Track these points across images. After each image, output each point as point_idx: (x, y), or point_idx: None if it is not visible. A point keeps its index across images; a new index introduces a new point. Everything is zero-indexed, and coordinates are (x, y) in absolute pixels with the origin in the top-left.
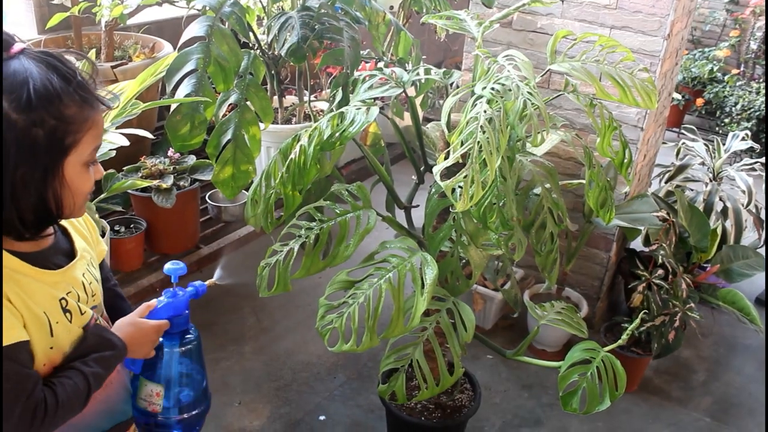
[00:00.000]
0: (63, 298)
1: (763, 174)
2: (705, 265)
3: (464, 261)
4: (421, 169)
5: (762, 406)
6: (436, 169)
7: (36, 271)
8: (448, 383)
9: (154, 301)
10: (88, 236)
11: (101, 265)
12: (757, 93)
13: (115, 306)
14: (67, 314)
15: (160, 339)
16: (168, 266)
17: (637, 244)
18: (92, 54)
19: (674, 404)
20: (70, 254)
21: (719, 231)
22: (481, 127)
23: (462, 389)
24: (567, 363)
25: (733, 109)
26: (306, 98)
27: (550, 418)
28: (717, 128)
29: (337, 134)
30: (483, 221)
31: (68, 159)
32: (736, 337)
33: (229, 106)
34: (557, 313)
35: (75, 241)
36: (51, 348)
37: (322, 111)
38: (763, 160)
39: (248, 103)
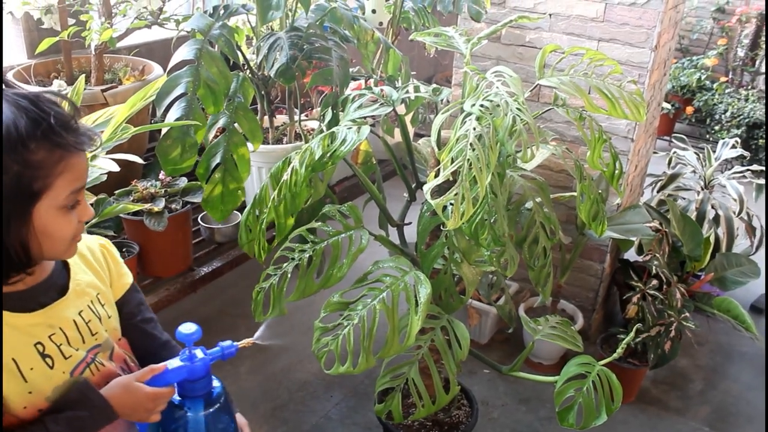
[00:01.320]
0: (40, 343)
1: (754, 181)
2: (699, 273)
3: (457, 278)
4: (413, 186)
5: (760, 414)
6: (427, 188)
7: (8, 316)
8: (444, 401)
9: (161, 365)
10: (101, 270)
11: (125, 300)
12: (746, 100)
13: (149, 350)
14: (47, 359)
15: (181, 401)
16: (181, 330)
17: (631, 254)
18: (82, 78)
19: (672, 414)
20: (64, 291)
21: (712, 239)
22: (471, 144)
23: (459, 405)
24: (563, 378)
25: (723, 116)
26: (296, 118)
27: (549, 431)
28: (707, 136)
29: (329, 154)
30: (475, 238)
31: (39, 204)
32: (732, 345)
33: (218, 128)
34: (552, 327)
35: (73, 278)
36: (30, 393)
37: (313, 130)
38: (753, 167)
39: (236, 125)
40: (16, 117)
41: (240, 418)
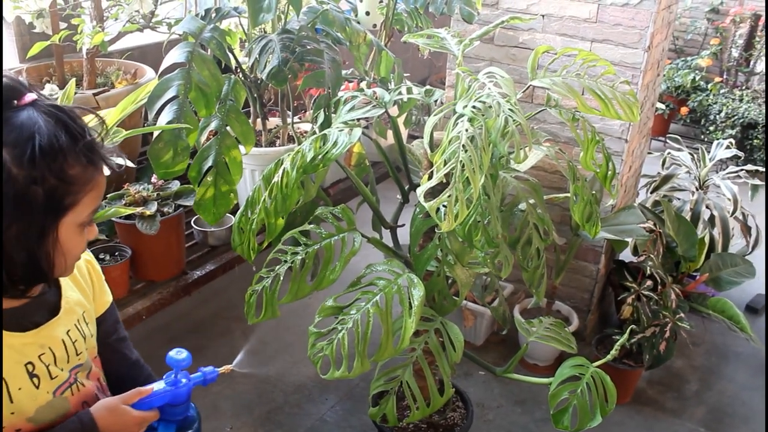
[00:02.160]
0: (30, 363)
1: (749, 181)
2: (694, 274)
3: (451, 280)
4: (406, 188)
5: (755, 414)
6: (420, 190)
7: (5, 335)
8: (438, 404)
9: (148, 388)
10: (86, 287)
11: (104, 318)
12: (741, 100)
13: (119, 369)
14: (34, 379)
15: (155, 423)
16: (171, 356)
17: (626, 255)
18: (72, 82)
19: (668, 415)
20: (55, 309)
21: (707, 240)
22: (463, 146)
23: (454, 407)
24: (557, 380)
25: (718, 117)
26: (289, 120)
27: None
28: (702, 136)
29: (320, 156)
30: (468, 240)
31: (65, 219)
32: (727, 345)
33: (210, 131)
34: (546, 329)
35: (64, 295)
36: (12, 413)
37: (305, 132)
38: (748, 167)
39: (228, 128)
40: (57, 129)
41: None
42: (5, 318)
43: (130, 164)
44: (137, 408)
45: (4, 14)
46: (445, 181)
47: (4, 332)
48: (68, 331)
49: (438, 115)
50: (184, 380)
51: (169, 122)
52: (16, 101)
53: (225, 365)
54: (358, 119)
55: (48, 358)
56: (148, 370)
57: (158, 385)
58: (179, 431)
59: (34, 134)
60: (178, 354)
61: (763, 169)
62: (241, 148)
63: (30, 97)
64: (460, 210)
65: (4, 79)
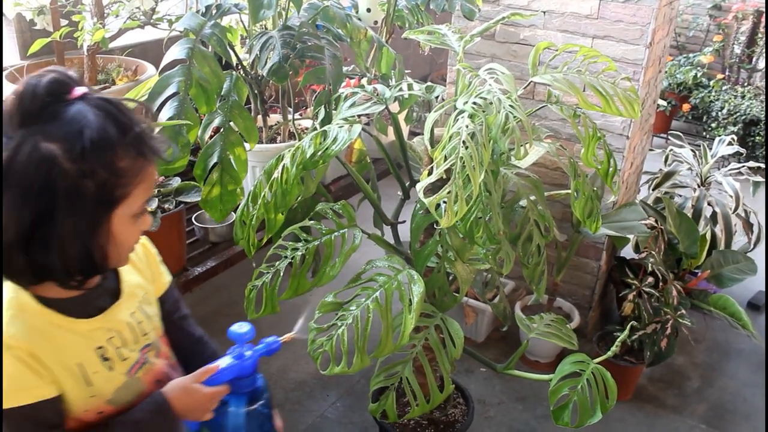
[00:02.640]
0: (101, 347)
1: (751, 178)
2: (695, 271)
3: (452, 276)
4: (407, 184)
5: (757, 411)
6: (420, 186)
7: (70, 322)
8: (438, 400)
9: (215, 365)
10: (145, 269)
11: (165, 297)
12: (743, 97)
13: (184, 346)
14: (107, 362)
15: (226, 397)
16: (233, 329)
17: (628, 251)
18: None
19: (669, 412)
20: (116, 294)
21: (708, 237)
22: (464, 142)
23: (455, 404)
24: (557, 376)
25: (720, 113)
26: (290, 117)
27: (546, 430)
28: (704, 133)
29: (320, 153)
30: (469, 236)
31: (117, 211)
32: (729, 342)
33: (213, 128)
34: (547, 325)
35: (123, 280)
36: (92, 396)
37: (306, 129)
38: (750, 164)
39: (232, 124)
40: (106, 122)
41: (277, 418)
42: (69, 306)
43: None
44: (207, 385)
45: (4, 11)
46: (445, 177)
47: (72, 320)
48: (132, 313)
49: (438, 112)
50: (248, 353)
51: (170, 119)
52: (66, 95)
53: (286, 333)
54: (359, 116)
55: (117, 341)
56: (213, 346)
57: (224, 361)
58: (250, 402)
59: (83, 128)
60: (241, 328)
61: (765, 166)
62: (246, 144)
63: (79, 90)
64: (459, 206)
65: (54, 74)
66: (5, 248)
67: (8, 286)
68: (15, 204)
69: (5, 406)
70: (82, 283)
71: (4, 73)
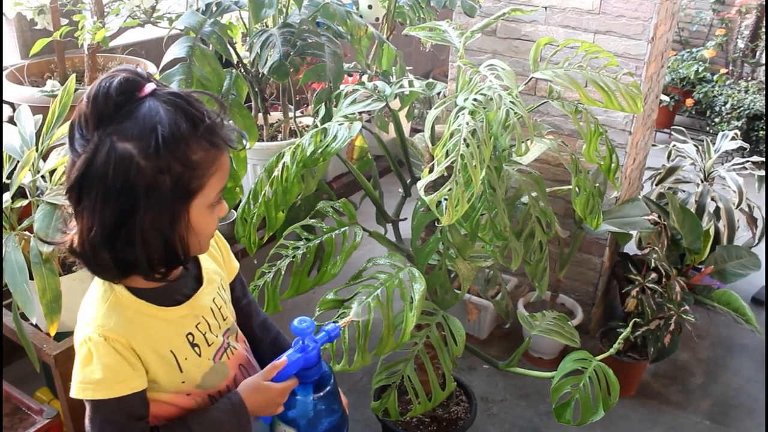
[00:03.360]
0: (190, 333)
1: (755, 173)
2: (699, 266)
3: (454, 273)
4: (408, 181)
5: (761, 407)
6: (420, 184)
7: (161, 311)
8: (440, 398)
9: (282, 360)
10: (218, 256)
11: (234, 284)
12: (746, 91)
13: (252, 330)
14: (195, 348)
15: (294, 389)
16: (295, 325)
17: (631, 247)
18: (72, 78)
19: (673, 408)
20: (198, 280)
21: (712, 232)
22: (464, 139)
23: (458, 401)
24: (559, 374)
25: (723, 108)
26: (291, 114)
27: (549, 427)
28: (708, 128)
29: (320, 150)
30: (474, 234)
31: (194, 203)
32: (733, 337)
33: None
34: (549, 322)
35: (203, 266)
36: (183, 382)
37: (307, 126)
38: (753, 158)
39: (231, 122)
40: (177, 117)
41: (343, 399)
42: (157, 296)
43: None
44: (276, 380)
45: (4, 11)
46: (446, 174)
47: (161, 308)
48: (213, 298)
49: (439, 108)
50: (311, 344)
51: None
52: (137, 93)
53: (346, 318)
54: (360, 113)
55: (203, 326)
56: (277, 329)
57: (290, 355)
58: (317, 389)
59: (156, 125)
60: (301, 323)
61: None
62: (245, 143)
63: (150, 87)
64: (460, 204)
65: (125, 74)
66: (91, 247)
67: (98, 280)
68: (98, 204)
69: (102, 396)
70: (166, 274)
71: (5, 73)
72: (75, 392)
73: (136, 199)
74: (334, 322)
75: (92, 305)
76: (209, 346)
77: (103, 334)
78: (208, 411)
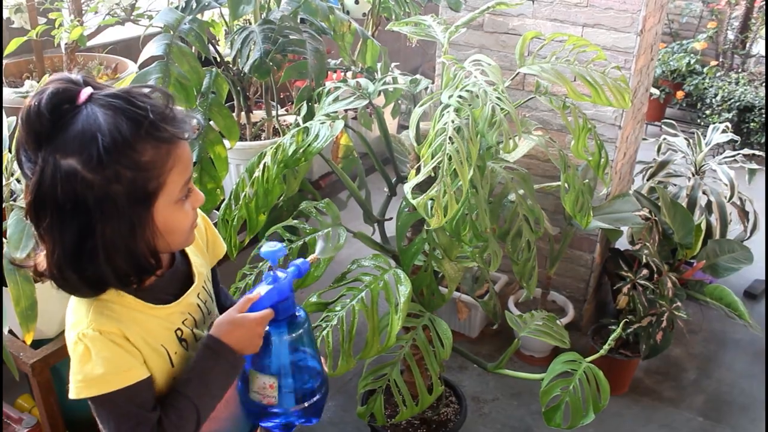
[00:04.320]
0: (178, 329)
1: (746, 165)
2: (691, 261)
3: (440, 274)
4: (393, 180)
5: (754, 402)
6: (407, 187)
7: (150, 308)
8: (427, 402)
9: (255, 293)
10: (202, 243)
11: (214, 269)
12: (737, 83)
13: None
14: (183, 343)
15: (267, 329)
16: (265, 249)
17: (622, 243)
18: (45, 79)
19: (666, 405)
20: (188, 278)
21: (703, 226)
22: (450, 137)
23: (447, 402)
24: (548, 376)
25: (714, 100)
26: (274, 113)
27: (541, 426)
28: (699, 120)
29: (302, 150)
30: (456, 234)
31: (157, 205)
32: (725, 332)
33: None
34: (538, 322)
35: (192, 261)
36: (173, 378)
37: (291, 125)
38: (744, 151)
39: (211, 123)
40: (117, 120)
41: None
42: (148, 294)
43: None
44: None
45: None
46: (432, 175)
47: (152, 306)
48: (198, 294)
49: (423, 107)
50: (282, 275)
51: None
52: (72, 103)
53: (311, 255)
54: (346, 110)
55: (190, 322)
56: None
57: (263, 288)
58: (291, 331)
59: (95, 134)
60: (272, 246)
61: (761, 153)
62: (225, 142)
63: (85, 93)
64: (449, 205)
65: (55, 85)
66: (57, 268)
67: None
68: (55, 225)
69: (108, 390)
70: (139, 282)
71: None
72: (77, 392)
73: (91, 215)
74: (302, 258)
75: (80, 306)
76: (197, 341)
77: (98, 328)
78: (192, 368)
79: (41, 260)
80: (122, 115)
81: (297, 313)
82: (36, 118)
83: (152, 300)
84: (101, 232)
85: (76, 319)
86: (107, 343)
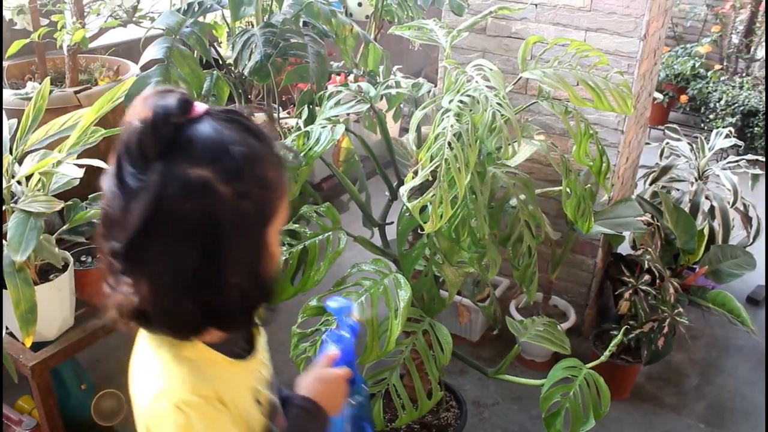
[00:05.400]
0: (257, 389)
1: (749, 171)
2: (693, 266)
3: (441, 278)
4: (394, 184)
5: (756, 409)
6: (404, 189)
7: (230, 363)
8: (426, 407)
9: (334, 351)
10: None
11: None
12: (741, 87)
13: None
14: (258, 404)
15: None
16: (332, 305)
17: (625, 247)
18: (47, 81)
19: (667, 411)
20: (252, 333)
21: (706, 231)
22: (449, 143)
23: (447, 407)
24: (549, 382)
25: (718, 104)
26: (276, 116)
27: (541, 431)
28: (702, 124)
29: (302, 154)
30: (455, 240)
31: (271, 228)
32: (728, 338)
33: None
34: (539, 328)
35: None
36: None
37: (293, 128)
38: (748, 156)
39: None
40: (245, 135)
41: None
42: (224, 348)
43: (104, 166)
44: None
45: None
46: (430, 179)
47: (233, 361)
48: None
49: (424, 110)
50: (346, 335)
51: None
52: (187, 115)
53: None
54: (348, 113)
55: (261, 381)
56: None
57: (336, 347)
58: (354, 394)
59: (227, 145)
60: (339, 303)
61: (764, 159)
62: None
63: (201, 107)
64: (444, 210)
65: (176, 93)
66: (170, 300)
67: (151, 342)
68: (176, 247)
69: None
70: (249, 321)
71: None
72: None
73: (220, 232)
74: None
75: (167, 367)
76: (267, 404)
77: (199, 393)
78: (289, 428)
79: (126, 298)
80: (247, 131)
81: (357, 378)
82: (164, 123)
83: (229, 354)
84: (228, 252)
85: (166, 383)
86: (212, 411)
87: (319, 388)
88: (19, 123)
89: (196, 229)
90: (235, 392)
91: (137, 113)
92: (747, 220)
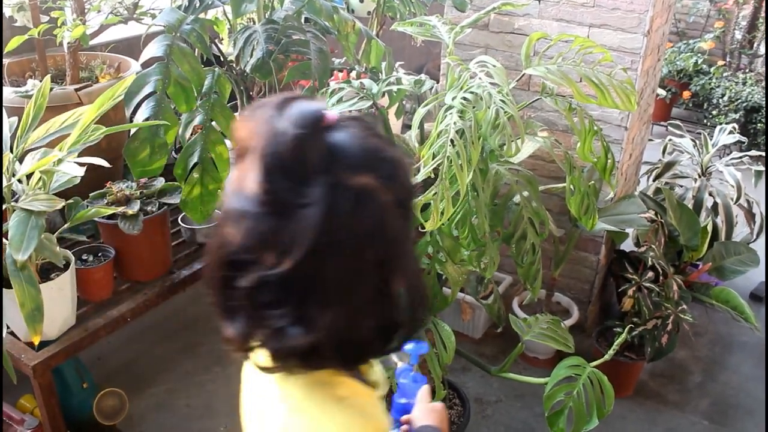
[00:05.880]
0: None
1: (753, 167)
2: (697, 263)
3: (444, 276)
4: None
5: (760, 405)
6: None
7: (370, 393)
8: None
9: (425, 389)
10: None
11: None
12: (744, 83)
13: None
14: None
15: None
16: (409, 346)
17: (628, 244)
18: (47, 78)
19: (671, 408)
20: None
21: (710, 228)
22: (451, 140)
23: (451, 405)
24: (552, 381)
25: (721, 100)
26: None
27: (545, 429)
28: (705, 120)
29: None
30: (454, 236)
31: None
32: (731, 335)
33: (197, 126)
34: (542, 326)
35: None
36: None
37: None
38: (751, 153)
39: (213, 123)
40: (383, 142)
41: None
42: (361, 380)
43: (104, 164)
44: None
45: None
46: (432, 176)
47: (371, 392)
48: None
49: (427, 107)
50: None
51: (146, 119)
52: (319, 123)
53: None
54: (350, 110)
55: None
56: None
57: (418, 385)
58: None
59: (379, 152)
60: (416, 343)
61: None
62: (228, 143)
63: (333, 115)
64: (446, 207)
65: (310, 102)
66: (354, 323)
67: (298, 385)
68: (355, 262)
69: None
70: (386, 347)
71: None
72: None
73: (390, 241)
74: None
75: (331, 412)
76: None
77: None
78: None
79: (293, 337)
80: (380, 137)
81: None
82: (314, 132)
83: (366, 383)
84: (397, 264)
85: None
86: None
87: (436, 418)
88: (19, 121)
89: (371, 241)
90: (386, 423)
91: (271, 125)
92: (750, 216)
